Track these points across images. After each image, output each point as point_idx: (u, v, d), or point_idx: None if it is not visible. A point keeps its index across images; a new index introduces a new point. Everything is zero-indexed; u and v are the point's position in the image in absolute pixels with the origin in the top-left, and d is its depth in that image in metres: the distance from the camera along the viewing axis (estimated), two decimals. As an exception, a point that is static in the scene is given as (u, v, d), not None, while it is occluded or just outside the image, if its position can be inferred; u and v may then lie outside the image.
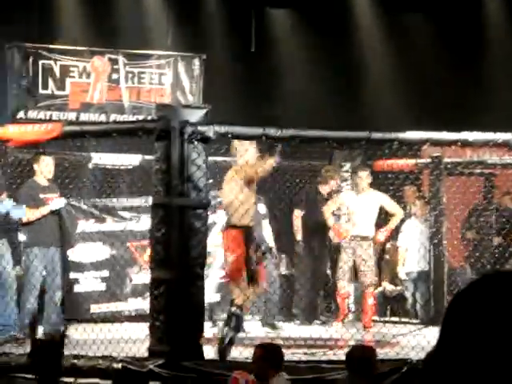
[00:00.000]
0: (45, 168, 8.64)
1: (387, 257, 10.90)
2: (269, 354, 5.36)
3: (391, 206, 9.49)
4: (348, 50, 12.93)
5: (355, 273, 9.39)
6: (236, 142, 7.20)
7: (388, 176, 9.88)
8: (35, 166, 8.71)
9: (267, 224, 9.43)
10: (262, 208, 9.24)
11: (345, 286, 9.43)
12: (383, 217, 9.64)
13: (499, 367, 1.24)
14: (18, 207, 8.37)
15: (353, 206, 9.41)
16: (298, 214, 9.91)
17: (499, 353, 1.25)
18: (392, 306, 10.74)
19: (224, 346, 6.92)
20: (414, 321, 9.93)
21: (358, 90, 12.92)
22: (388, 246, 10.84)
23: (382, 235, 9.48)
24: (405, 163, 9.96)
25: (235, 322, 7.10)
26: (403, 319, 10.15)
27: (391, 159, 9.71)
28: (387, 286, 10.72)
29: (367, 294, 9.40)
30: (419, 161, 9.93)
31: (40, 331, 8.57)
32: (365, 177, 9.41)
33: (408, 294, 10.41)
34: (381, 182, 9.85)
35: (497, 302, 1.27)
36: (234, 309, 7.15)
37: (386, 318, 10.34)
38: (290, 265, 10.10)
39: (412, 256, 10.14)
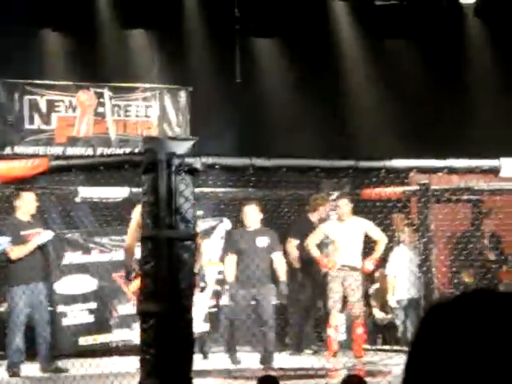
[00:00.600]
0: (25, 205, 8.60)
1: (377, 285, 10.89)
2: None
3: (374, 232, 9.45)
4: (333, 76, 13.00)
5: (344, 303, 9.35)
6: None
7: (376, 204, 9.89)
8: (16, 203, 8.68)
9: (278, 256, 9.30)
10: (263, 241, 9.11)
11: (336, 317, 9.36)
12: (372, 245, 9.62)
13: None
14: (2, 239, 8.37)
15: (336, 235, 9.35)
16: (294, 243, 9.85)
17: (467, 372, 1.23)
18: (383, 334, 10.71)
19: None
20: (406, 348, 9.88)
21: (343, 117, 12.97)
22: (377, 274, 10.83)
23: (370, 264, 9.44)
24: (392, 191, 9.96)
25: None
26: (395, 347, 10.11)
27: (379, 187, 9.71)
28: (377, 314, 10.69)
29: (356, 324, 9.37)
30: (406, 188, 9.92)
31: (36, 367, 8.52)
32: (344, 205, 9.38)
33: (399, 322, 10.38)
34: (369, 210, 9.85)
35: (466, 321, 1.26)
36: None
37: (378, 347, 10.31)
38: (281, 295, 10.05)
39: (402, 284, 10.12)
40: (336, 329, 9.39)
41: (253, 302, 8.99)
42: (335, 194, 10.46)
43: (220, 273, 9.52)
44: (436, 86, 12.63)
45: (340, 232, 9.30)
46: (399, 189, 9.88)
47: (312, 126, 12.52)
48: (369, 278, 10.54)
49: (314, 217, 9.75)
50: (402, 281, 10.08)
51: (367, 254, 9.52)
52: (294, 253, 9.77)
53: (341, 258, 9.28)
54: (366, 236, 9.48)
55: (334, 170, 7.63)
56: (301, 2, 12.84)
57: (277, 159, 6.73)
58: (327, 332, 9.44)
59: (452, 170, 7.28)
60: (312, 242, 9.41)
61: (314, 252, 9.41)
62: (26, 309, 8.53)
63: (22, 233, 8.52)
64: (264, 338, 8.97)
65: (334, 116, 12.73)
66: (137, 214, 7.96)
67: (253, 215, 9.06)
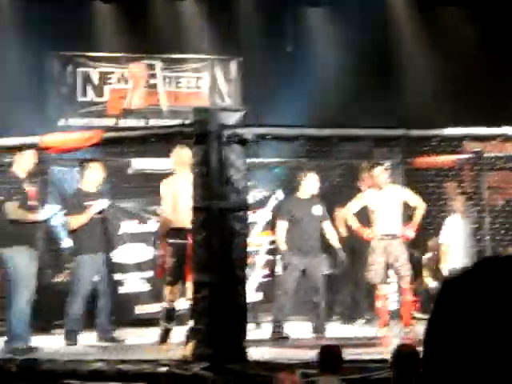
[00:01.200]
0: (91, 174, 8.71)
1: (430, 254, 10.82)
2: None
3: (413, 198, 9.23)
4: (384, 46, 12.87)
5: (387, 272, 9.15)
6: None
7: (428, 173, 9.80)
8: (82, 174, 8.79)
9: (330, 225, 9.29)
10: (318, 209, 9.12)
11: (381, 288, 9.19)
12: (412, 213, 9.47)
13: (489, 358, 1.21)
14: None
15: (374, 204, 9.16)
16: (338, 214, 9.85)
17: (488, 343, 1.22)
18: (436, 303, 10.65)
19: None
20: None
21: (397, 86, 12.84)
22: (430, 242, 10.76)
23: (411, 232, 9.27)
24: (445, 159, 9.87)
25: None
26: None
27: (431, 156, 9.62)
28: (430, 284, 10.64)
29: (404, 290, 9.23)
30: (459, 156, 9.82)
31: (93, 336, 8.67)
32: (379, 173, 9.15)
33: (452, 291, 10.30)
34: (421, 178, 9.76)
35: (488, 288, 1.24)
36: None
37: (431, 316, 10.25)
38: (333, 264, 10.04)
39: (455, 253, 10.04)
40: (383, 299, 9.25)
41: (303, 271, 8.97)
42: (387, 163, 10.40)
43: (272, 243, 9.53)
44: (490, 53, 12.44)
45: (378, 201, 9.12)
46: (452, 157, 9.78)
47: (364, 95, 12.43)
48: (422, 247, 10.47)
49: (362, 186, 9.65)
50: (456, 250, 9.99)
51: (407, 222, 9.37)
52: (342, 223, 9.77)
53: (380, 227, 9.11)
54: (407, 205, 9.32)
55: (386, 139, 7.60)
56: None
57: (328, 129, 6.72)
58: (376, 303, 9.35)
59: (508, 138, 7.21)
60: (350, 211, 9.27)
61: (352, 222, 9.27)
62: (90, 278, 8.66)
63: (86, 203, 8.60)
64: (316, 307, 8.98)
65: (387, 85, 12.62)
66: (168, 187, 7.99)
67: (312, 183, 9.02)
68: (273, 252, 9.59)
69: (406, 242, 9.30)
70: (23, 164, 8.10)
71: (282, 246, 8.90)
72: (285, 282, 8.82)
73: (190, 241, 7.47)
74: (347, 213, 9.25)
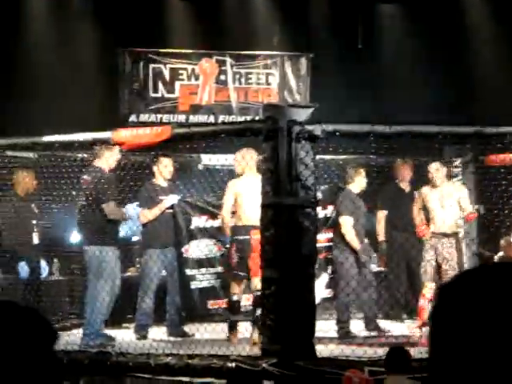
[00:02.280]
0: (164, 169, 8.80)
1: (501, 253, 10.68)
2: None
3: (465, 203, 8.96)
4: (458, 42, 12.71)
5: (439, 271, 8.88)
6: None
7: (501, 170, 9.65)
8: (154, 168, 8.87)
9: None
10: (364, 206, 9.10)
11: (429, 287, 8.92)
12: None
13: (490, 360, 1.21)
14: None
15: (430, 201, 8.95)
16: (382, 214, 9.82)
17: (488, 347, 1.21)
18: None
19: None
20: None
21: (467, 83, 12.68)
22: (502, 241, 10.61)
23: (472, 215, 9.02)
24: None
25: None
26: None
27: (504, 153, 9.46)
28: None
29: None
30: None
31: (163, 331, 8.76)
32: (435, 169, 8.91)
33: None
34: (493, 176, 9.62)
35: (484, 293, 1.24)
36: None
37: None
38: (382, 262, 9.98)
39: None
40: (425, 298, 9.04)
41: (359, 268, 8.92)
42: (458, 161, 10.28)
43: (331, 240, 9.48)
44: None
45: (433, 198, 8.93)
46: (526, 155, 9.61)
47: (435, 92, 12.30)
48: (493, 246, 10.32)
49: (403, 185, 9.41)
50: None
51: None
52: (382, 223, 9.67)
53: (434, 224, 8.95)
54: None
55: (458, 137, 7.50)
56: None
57: (398, 126, 6.66)
58: (419, 301, 9.17)
59: None
60: (417, 207, 9.15)
61: (417, 218, 9.14)
62: (159, 272, 8.75)
63: (159, 197, 8.69)
64: (368, 304, 8.95)
65: (457, 83, 12.46)
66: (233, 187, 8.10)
67: (363, 179, 9.00)
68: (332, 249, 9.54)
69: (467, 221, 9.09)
70: (110, 160, 8.19)
71: (355, 243, 8.82)
72: (349, 279, 8.74)
73: (252, 237, 7.61)
74: (415, 207, 9.13)
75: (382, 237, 9.90)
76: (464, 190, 9.14)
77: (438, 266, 8.89)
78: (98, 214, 8.07)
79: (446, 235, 8.87)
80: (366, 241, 9.04)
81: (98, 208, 8.05)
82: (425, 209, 9.08)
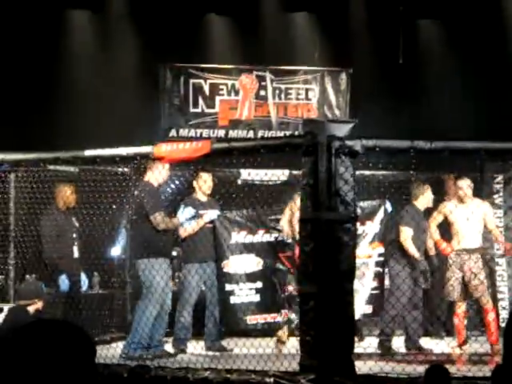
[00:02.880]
0: (203, 184, 8.86)
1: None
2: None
3: (490, 220, 8.90)
4: (500, 59, 12.62)
5: (466, 289, 8.80)
6: None
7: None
8: (194, 183, 8.95)
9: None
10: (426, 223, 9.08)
11: (459, 305, 8.89)
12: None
13: None
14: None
15: (455, 217, 8.86)
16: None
17: None
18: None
19: None
20: None
21: (510, 100, 12.58)
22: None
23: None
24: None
25: None
26: None
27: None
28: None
29: (485, 309, 8.79)
30: None
31: (201, 345, 8.78)
32: (465, 187, 8.80)
33: None
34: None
35: None
36: None
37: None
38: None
39: None
40: (459, 317, 8.89)
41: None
42: (500, 177, 10.19)
43: (381, 255, 9.45)
44: None
45: (459, 214, 8.81)
46: None
47: (476, 108, 12.22)
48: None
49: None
50: None
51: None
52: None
53: (459, 241, 8.85)
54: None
55: (499, 153, 7.44)
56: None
57: (438, 142, 6.62)
58: (454, 320, 9.07)
59: None
60: (434, 222, 9.05)
61: (435, 234, 9.04)
62: (198, 287, 8.79)
63: (200, 212, 8.75)
64: (413, 323, 8.88)
65: (499, 99, 12.37)
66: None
67: (429, 197, 8.96)
68: (382, 264, 9.49)
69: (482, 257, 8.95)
70: (158, 175, 8.30)
71: (413, 251, 8.79)
72: (402, 294, 8.68)
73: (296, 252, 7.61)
74: (431, 222, 9.04)
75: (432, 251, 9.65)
76: (489, 206, 9.05)
77: (465, 284, 8.79)
78: (146, 227, 8.15)
79: (471, 251, 8.79)
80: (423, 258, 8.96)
81: (147, 220, 8.14)
82: (445, 225, 9.01)
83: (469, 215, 8.72)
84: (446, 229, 9.04)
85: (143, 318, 8.06)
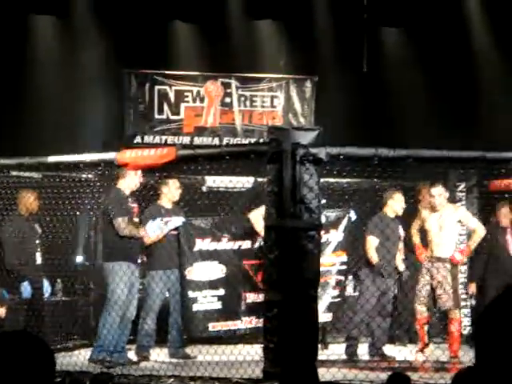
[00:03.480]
0: (168, 191, 8.83)
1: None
2: None
3: (471, 221, 8.90)
4: (462, 67, 12.73)
5: (434, 297, 8.79)
6: None
7: (505, 196, 9.66)
8: (161, 190, 8.91)
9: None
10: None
11: (422, 312, 8.85)
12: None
13: None
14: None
15: (429, 225, 8.88)
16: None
17: None
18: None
19: None
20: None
21: (473, 108, 12.69)
22: None
23: (459, 255, 8.83)
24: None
25: None
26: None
27: (508, 178, 9.47)
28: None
29: (450, 319, 8.81)
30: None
31: (164, 353, 8.74)
32: (438, 194, 8.77)
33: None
34: (496, 202, 9.62)
35: None
36: None
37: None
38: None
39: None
40: (422, 325, 8.88)
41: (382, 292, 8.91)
42: (462, 185, 10.28)
43: (343, 263, 9.49)
44: None
45: (433, 222, 8.84)
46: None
47: (439, 116, 12.33)
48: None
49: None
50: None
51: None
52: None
53: (432, 249, 8.89)
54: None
55: (462, 161, 7.51)
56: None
57: (402, 150, 6.67)
58: (415, 327, 9.10)
59: None
60: (414, 227, 9.10)
61: (415, 238, 9.08)
62: (162, 294, 8.76)
63: (164, 219, 8.72)
64: (378, 331, 8.92)
65: (462, 108, 12.48)
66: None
67: (399, 204, 8.98)
68: (345, 272, 9.53)
69: (455, 265, 8.93)
70: (130, 182, 8.27)
71: (374, 259, 8.82)
72: (367, 301, 8.72)
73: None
74: (412, 228, 9.09)
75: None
76: (465, 211, 9.07)
77: (433, 290, 8.81)
78: (112, 232, 8.14)
79: (441, 260, 8.81)
80: (394, 265, 8.96)
81: (111, 225, 8.13)
82: (423, 232, 9.04)
83: (442, 223, 8.77)
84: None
85: (107, 323, 8.02)
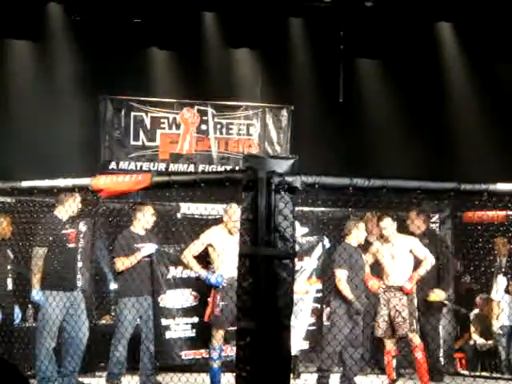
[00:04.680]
0: (143, 218, 8.78)
1: (477, 310, 10.69)
2: None
3: (420, 250, 8.92)
4: (437, 100, 12.85)
5: (392, 326, 8.81)
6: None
7: (478, 227, 9.71)
8: (134, 216, 8.86)
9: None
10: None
11: (387, 342, 8.90)
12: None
13: None
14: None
15: (381, 255, 8.94)
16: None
17: None
18: (483, 360, 10.48)
19: None
20: (507, 376, 9.66)
21: (447, 141, 12.79)
22: (478, 299, 10.64)
23: (408, 284, 8.80)
24: (495, 214, 9.77)
25: None
26: (494, 374, 9.89)
27: (481, 210, 9.53)
28: (478, 340, 10.49)
29: (412, 347, 8.80)
30: (510, 212, 9.71)
31: (136, 380, 8.66)
32: (389, 225, 8.85)
33: (501, 349, 10.13)
34: (470, 233, 9.67)
35: None
36: None
37: (477, 373, 10.08)
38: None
39: (505, 309, 9.90)
40: (388, 354, 8.89)
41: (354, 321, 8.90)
42: (436, 217, 10.33)
43: (318, 291, 9.48)
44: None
45: (385, 252, 8.89)
46: (502, 212, 9.68)
47: (414, 147, 12.40)
48: (468, 302, 10.32)
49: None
50: (505, 307, 9.84)
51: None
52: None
53: (386, 279, 8.92)
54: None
55: (436, 192, 7.53)
56: (405, 23, 12.76)
57: (377, 179, 6.67)
58: (384, 359, 9.08)
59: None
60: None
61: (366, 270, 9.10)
62: (134, 321, 8.69)
63: (135, 245, 8.67)
64: (349, 361, 8.90)
65: (437, 139, 12.57)
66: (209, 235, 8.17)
67: (362, 233, 8.99)
68: (321, 300, 9.51)
69: (406, 294, 8.93)
70: (69, 209, 8.22)
71: (348, 293, 8.79)
72: (339, 331, 8.70)
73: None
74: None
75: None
76: (415, 240, 9.09)
77: (391, 321, 8.81)
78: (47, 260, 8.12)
79: (396, 288, 8.83)
80: (363, 296, 8.95)
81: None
82: (378, 263, 9.05)
83: (394, 253, 8.83)
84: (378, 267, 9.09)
85: (42, 351, 8.01)
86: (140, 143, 12.51)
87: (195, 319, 9.12)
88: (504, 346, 10.11)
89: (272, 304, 6.40)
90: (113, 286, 9.55)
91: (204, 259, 8.61)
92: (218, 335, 8.24)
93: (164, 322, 8.99)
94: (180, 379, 7.78)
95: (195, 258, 8.46)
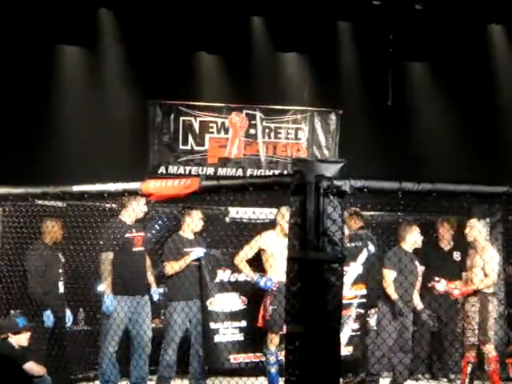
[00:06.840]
0: (192, 222, 8.82)
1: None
2: None
3: (488, 267, 8.77)
4: (487, 101, 12.72)
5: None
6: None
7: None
8: (184, 220, 8.90)
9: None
10: (418, 264, 9.06)
11: (471, 350, 8.78)
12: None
13: None
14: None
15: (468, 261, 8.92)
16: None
17: None
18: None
19: None
20: None
21: (497, 142, 12.66)
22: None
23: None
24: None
25: None
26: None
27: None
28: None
29: (488, 359, 8.66)
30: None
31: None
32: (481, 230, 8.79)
33: None
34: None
35: None
36: None
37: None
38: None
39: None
40: (467, 361, 8.80)
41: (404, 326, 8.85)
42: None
43: (362, 296, 9.44)
44: None
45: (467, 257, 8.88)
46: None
47: (465, 150, 12.29)
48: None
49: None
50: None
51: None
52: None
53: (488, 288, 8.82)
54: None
55: (487, 196, 7.45)
56: (455, 26, 12.66)
57: (426, 183, 6.63)
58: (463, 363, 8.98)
59: None
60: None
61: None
62: (184, 325, 8.73)
63: (185, 249, 8.72)
64: (399, 367, 8.84)
65: (488, 141, 12.44)
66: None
67: (415, 238, 8.94)
68: (364, 306, 9.47)
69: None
70: (133, 213, 8.28)
71: (393, 294, 8.77)
72: (389, 336, 8.66)
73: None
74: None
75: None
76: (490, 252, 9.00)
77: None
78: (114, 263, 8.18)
79: (472, 294, 8.75)
80: (416, 299, 8.90)
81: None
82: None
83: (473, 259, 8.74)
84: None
85: (105, 354, 8.06)
86: (189, 147, 12.57)
87: (243, 323, 9.13)
88: None
89: (321, 308, 6.39)
90: (160, 290, 9.59)
91: (255, 262, 8.63)
92: (274, 339, 8.25)
93: (213, 325, 9.02)
94: (229, 383, 7.80)
95: (247, 261, 8.49)
